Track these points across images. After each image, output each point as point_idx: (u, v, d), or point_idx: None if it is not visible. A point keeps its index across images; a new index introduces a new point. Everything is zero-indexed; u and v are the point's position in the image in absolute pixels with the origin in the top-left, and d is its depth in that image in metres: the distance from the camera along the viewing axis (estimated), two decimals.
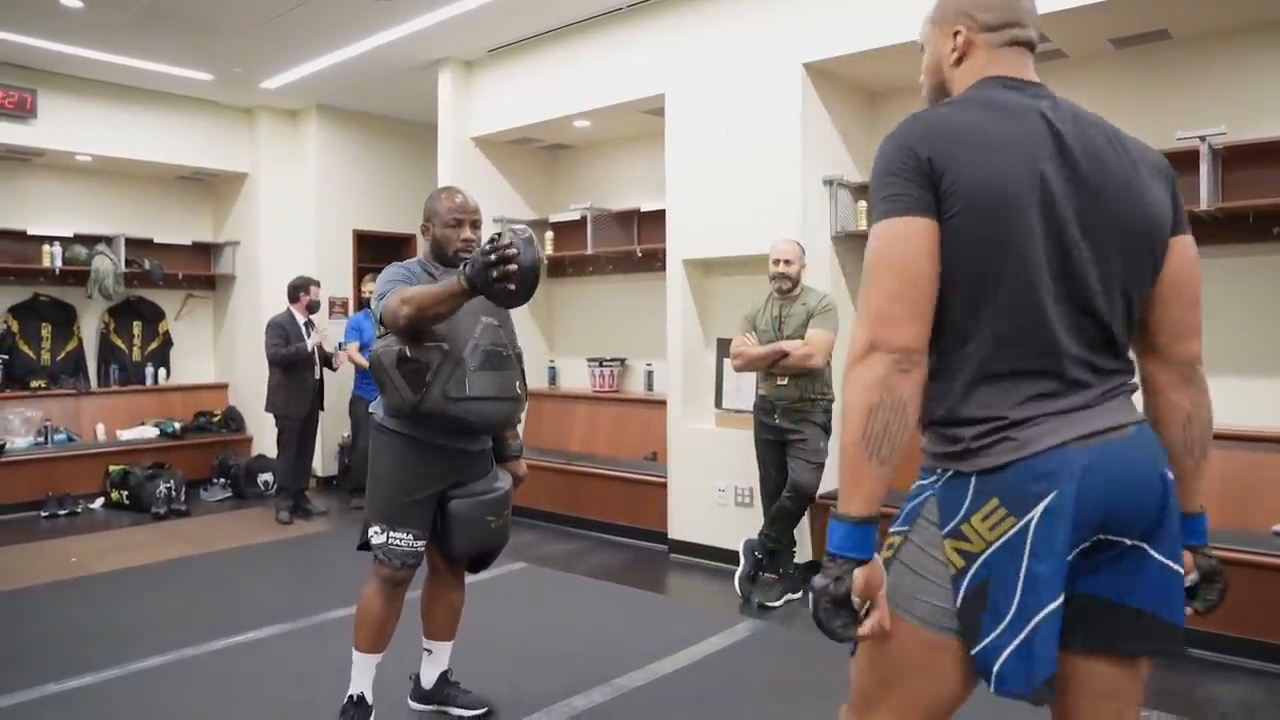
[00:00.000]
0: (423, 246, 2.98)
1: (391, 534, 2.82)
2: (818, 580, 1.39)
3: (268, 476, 7.33)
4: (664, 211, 5.61)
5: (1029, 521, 1.36)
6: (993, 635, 1.38)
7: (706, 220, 5.32)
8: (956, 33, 1.59)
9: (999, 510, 1.38)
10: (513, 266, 2.41)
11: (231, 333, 8.19)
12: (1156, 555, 1.43)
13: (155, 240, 7.76)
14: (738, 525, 5.09)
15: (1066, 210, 1.43)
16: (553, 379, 7.09)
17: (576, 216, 6.47)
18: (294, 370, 6.26)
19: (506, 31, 6.11)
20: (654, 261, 6.15)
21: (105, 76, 6.93)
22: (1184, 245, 1.58)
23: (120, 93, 7.14)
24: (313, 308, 6.38)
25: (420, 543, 2.87)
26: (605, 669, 3.62)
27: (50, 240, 7.18)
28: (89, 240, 7.38)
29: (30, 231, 7.10)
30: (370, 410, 2.98)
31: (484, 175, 6.81)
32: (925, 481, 1.50)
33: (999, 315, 1.42)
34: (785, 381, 4.36)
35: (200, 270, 8.16)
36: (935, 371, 1.47)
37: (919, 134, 1.45)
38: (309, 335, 6.34)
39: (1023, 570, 1.36)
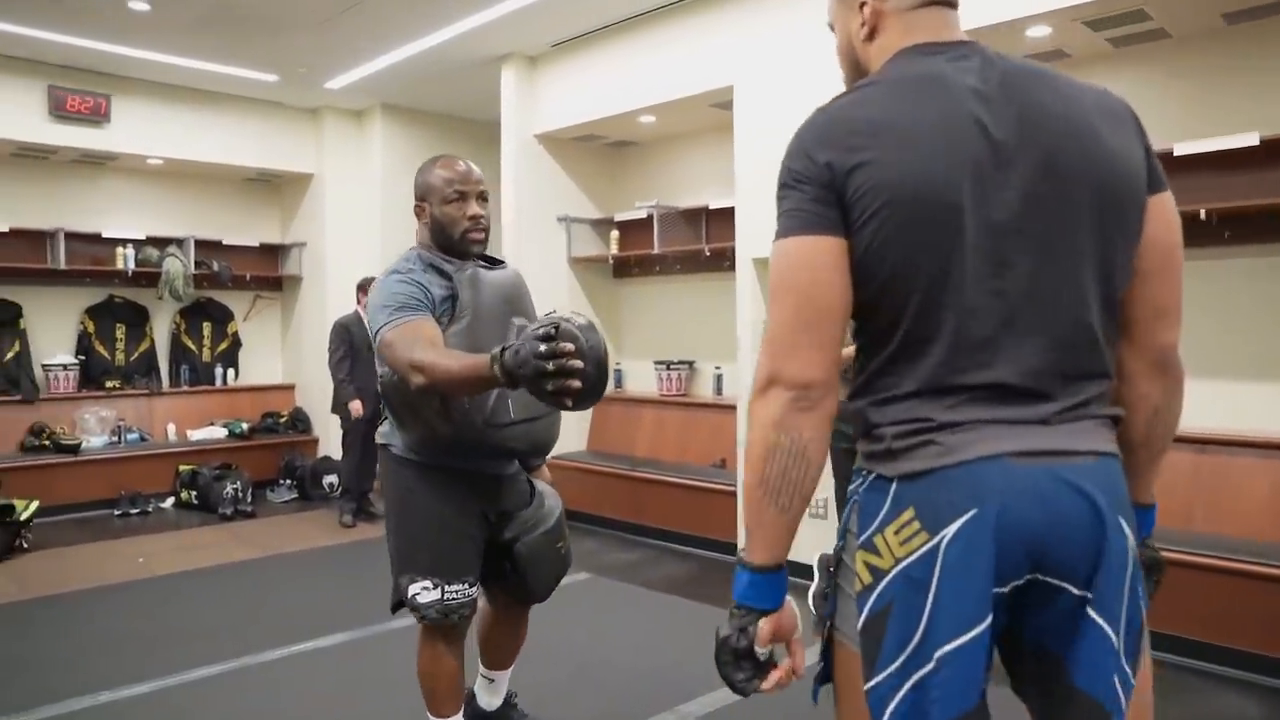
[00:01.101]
0: (420, 231, 2.49)
1: (447, 589, 2.37)
2: (721, 630, 1.28)
3: (333, 478, 7.30)
4: (733, 209, 5.42)
5: (941, 540, 1.17)
6: (889, 670, 1.19)
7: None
8: (862, 4, 1.39)
9: (913, 523, 1.20)
10: (575, 383, 1.86)
11: (299, 333, 8.21)
12: (1094, 616, 1.21)
13: (224, 242, 7.80)
14: (812, 539, 4.81)
15: (1009, 191, 1.22)
16: (619, 382, 6.92)
17: (642, 215, 6.31)
18: (359, 372, 6.20)
19: (570, 25, 5.95)
20: (723, 260, 5.96)
21: (175, 80, 6.97)
22: (1163, 204, 1.33)
23: (189, 96, 7.18)
24: None
25: (476, 587, 2.47)
26: (671, 692, 3.41)
27: (124, 243, 7.25)
28: (160, 242, 7.44)
29: (105, 234, 7.19)
30: (382, 441, 2.49)
31: (548, 173, 6.68)
32: (853, 485, 1.33)
33: (933, 324, 1.23)
34: None
35: (268, 271, 8.18)
36: (866, 386, 1.30)
37: (817, 135, 1.26)
38: None
39: (930, 597, 1.17)
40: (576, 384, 1.86)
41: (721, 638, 1.28)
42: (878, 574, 1.22)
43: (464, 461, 2.40)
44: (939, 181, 1.21)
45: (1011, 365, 1.22)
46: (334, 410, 6.39)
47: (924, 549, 1.19)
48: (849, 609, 1.29)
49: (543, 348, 1.84)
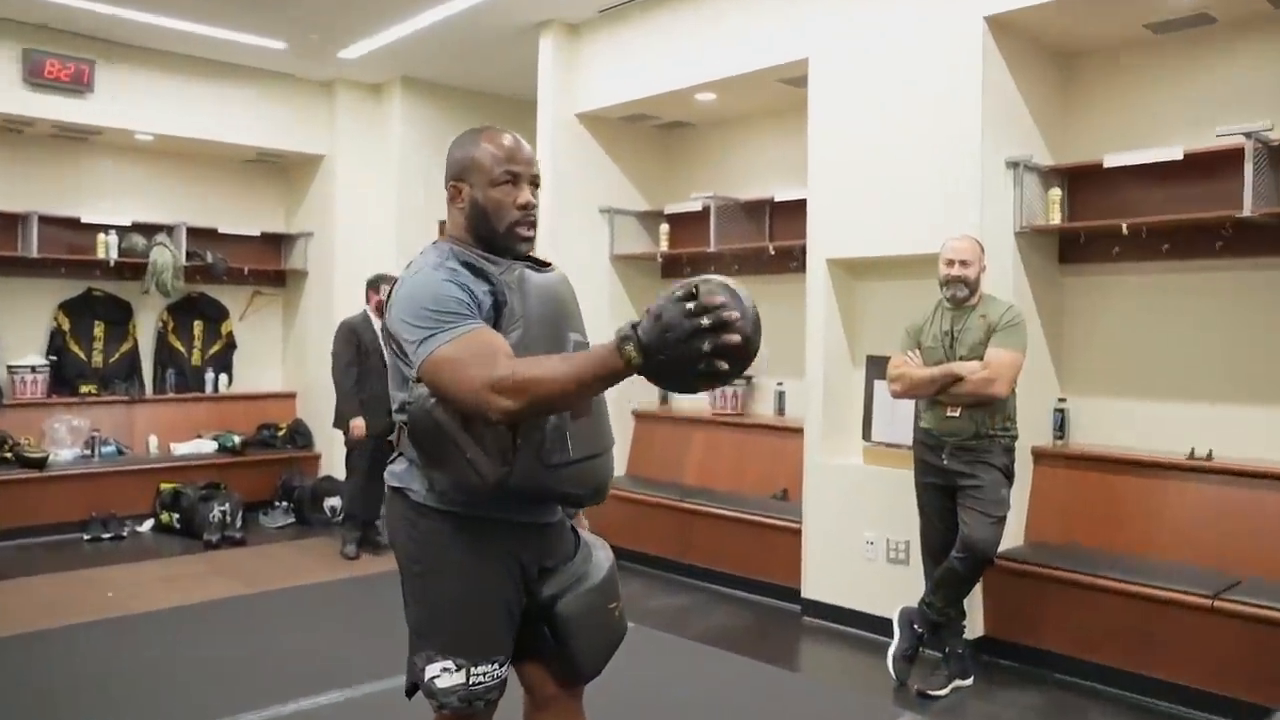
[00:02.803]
0: (453, 219, 2.23)
1: (473, 671, 2.13)
2: None
3: (335, 502, 7.22)
4: (804, 202, 5.27)
5: None
6: None
7: (857, 212, 4.94)
8: None
9: None
10: (735, 337, 1.73)
11: (302, 335, 8.16)
12: None
13: (220, 230, 7.78)
14: (890, 587, 4.66)
15: None
16: (665, 398, 6.77)
17: (697, 207, 6.16)
18: (368, 383, 6.08)
19: None
20: (789, 261, 5.81)
21: (168, 46, 6.93)
22: None
23: (185, 64, 7.14)
24: (384, 309, 6.19)
25: (506, 667, 2.20)
26: None
27: (106, 229, 7.24)
28: (148, 229, 7.40)
29: (85, 219, 7.16)
30: (395, 485, 2.20)
31: (590, 158, 6.58)
32: None
33: None
34: (957, 413, 3.99)
35: (269, 264, 8.15)
36: None
37: None
38: (384, 339, 6.14)
39: None
40: (737, 338, 1.74)
41: None
42: None
43: (505, 510, 2.15)
44: None
45: None
46: (337, 425, 6.27)
47: None
48: None
49: (691, 305, 1.73)
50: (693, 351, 1.73)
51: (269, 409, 8.08)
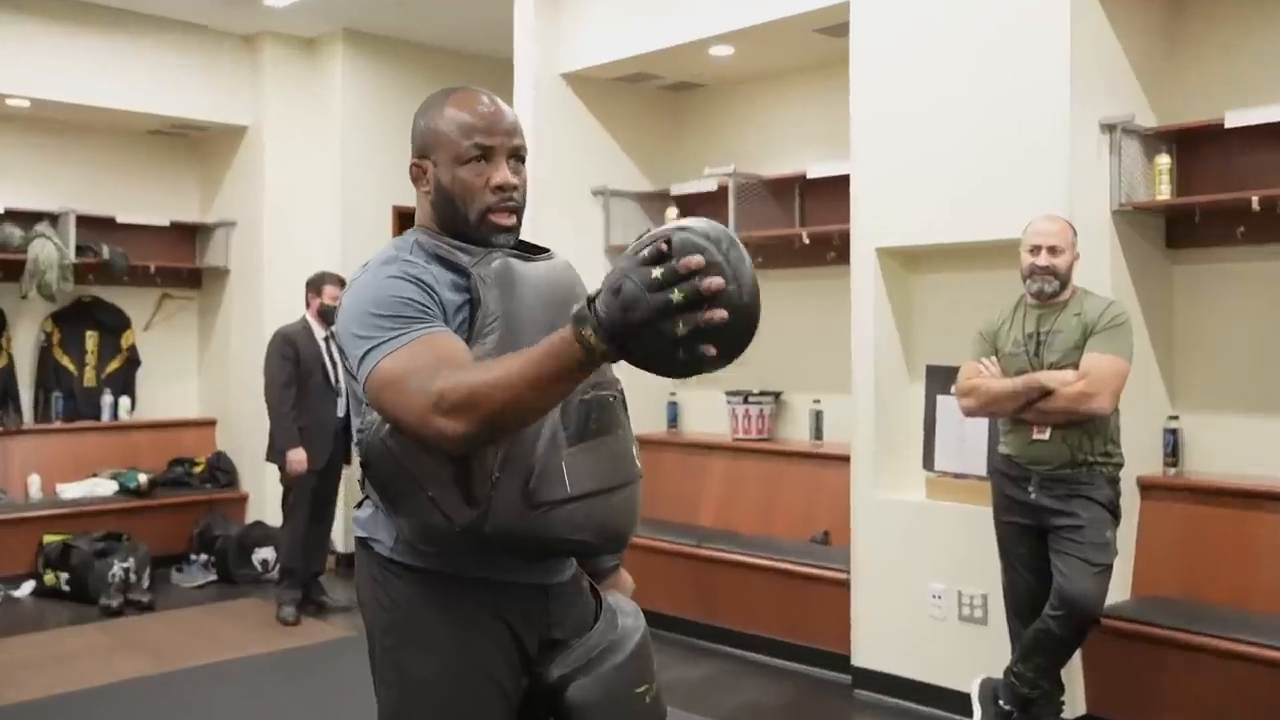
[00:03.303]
0: (420, 205, 2.20)
1: None
2: None
3: (268, 554, 7.22)
4: (845, 178, 5.29)
5: None
6: None
7: (914, 190, 4.93)
8: None
9: None
10: (721, 313, 1.55)
11: (224, 348, 8.17)
12: None
13: (118, 219, 7.77)
14: (964, 653, 4.64)
15: None
16: (674, 420, 6.81)
17: (712, 186, 6.19)
18: (307, 406, 6.11)
19: None
20: (827, 251, 5.83)
21: None
22: None
23: (70, 12, 7.12)
24: (328, 315, 6.12)
25: None
26: None
27: None
28: (25, 218, 7.36)
29: None
30: (361, 534, 2.17)
31: (579, 128, 6.61)
32: None
33: None
34: (1046, 435, 3.97)
35: (181, 261, 8.20)
36: None
37: None
38: (328, 353, 6.15)
39: None
40: (722, 313, 1.54)
41: None
42: None
43: (489, 566, 2.08)
44: None
45: None
46: (270, 458, 6.27)
47: None
48: None
49: (656, 272, 1.54)
50: (663, 335, 1.56)
51: (183, 440, 8.08)
